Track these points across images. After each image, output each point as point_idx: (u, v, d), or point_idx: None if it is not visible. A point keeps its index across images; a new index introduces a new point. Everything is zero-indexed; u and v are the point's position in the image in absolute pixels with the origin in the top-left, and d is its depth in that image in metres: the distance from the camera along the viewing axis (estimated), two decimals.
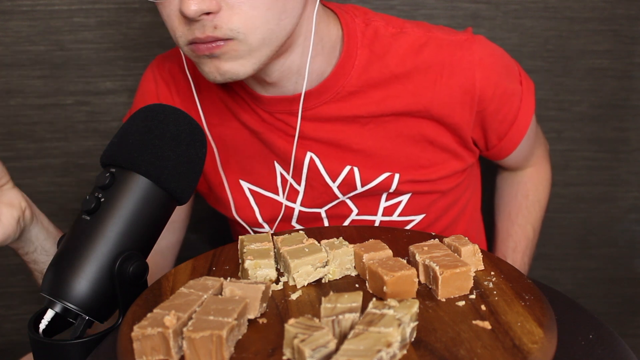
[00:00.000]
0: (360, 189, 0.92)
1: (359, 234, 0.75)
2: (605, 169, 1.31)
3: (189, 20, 0.72)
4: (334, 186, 0.92)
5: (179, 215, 1.02)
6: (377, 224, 0.96)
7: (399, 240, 0.73)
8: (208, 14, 0.72)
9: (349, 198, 0.94)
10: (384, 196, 0.94)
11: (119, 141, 0.70)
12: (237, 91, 0.91)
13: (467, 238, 0.67)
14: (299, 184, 0.94)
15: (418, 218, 0.96)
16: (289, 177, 0.93)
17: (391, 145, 0.90)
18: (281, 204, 0.96)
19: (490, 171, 1.14)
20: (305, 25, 0.82)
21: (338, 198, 0.94)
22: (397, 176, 0.91)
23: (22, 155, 1.22)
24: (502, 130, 0.93)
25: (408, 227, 0.97)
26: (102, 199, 0.67)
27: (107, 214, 0.66)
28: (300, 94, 0.87)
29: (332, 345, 0.50)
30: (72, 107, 1.20)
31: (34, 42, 1.15)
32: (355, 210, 0.95)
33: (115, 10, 1.16)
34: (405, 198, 0.94)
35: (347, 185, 0.92)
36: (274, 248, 0.69)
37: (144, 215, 0.67)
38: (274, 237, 0.71)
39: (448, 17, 1.19)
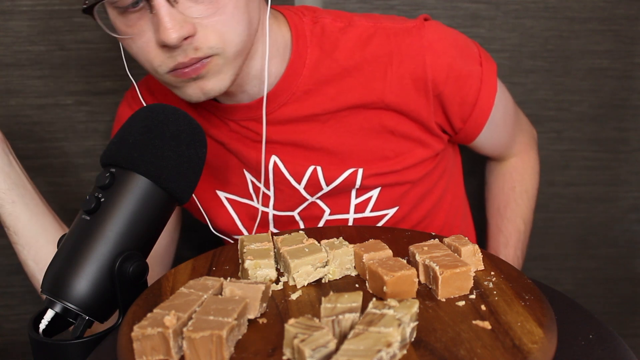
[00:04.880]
0: (326, 188, 0.92)
1: (359, 234, 0.75)
2: (605, 169, 1.30)
3: (170, 48, 0.74)
4: (300, 188, 0.93)
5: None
6: (350, 221, 0.96)
7: (399, 240, 0.73)
8: (186, 38, 0.74)
9: (318, 198, 0.94)
10: (354, 193, 0.94)
11: (118, 141, 0.70)
12: (203, 105, 0.92)
13: (467, 238, 0.67)
14: (268, 189, 0.94)
15: (391, 212, 0.96)
16: (258, 183, 0.94)
17: (353, 140, 0.91)
18: (257, 209, 0.96)
19: (481, 165, 1.14)
20: (260, 30, 0.84)
21: (307, 199, 0.94)
22: (360, 171, 0.91)
23: (22, 155, 1.21)
24: (464, 113, 0.92)
25: (382, 222, 0.96)
26: (102, 199, 0.67)
27: (107, 214, 0.66)
28: (259, 99, 0.88)
29: (332, 345, 0.50)
30: (72, 107, 1.20)
31: (34, 42, 1.15)
32: (327, 210, 0.95)
33: None
34: (375, 193, 0.94)
35: (313, 186, 0.92)
36: (274, 248, 0.69)
37: (144, 215, 0.67)
38: (274, 237, 0.71)
39: (448, 17, 1.19)
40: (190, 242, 1.28)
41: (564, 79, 1.24)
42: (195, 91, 0.80)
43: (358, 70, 0.88)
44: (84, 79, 1.18)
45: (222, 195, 0.97)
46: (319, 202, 0.95)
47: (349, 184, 0.92)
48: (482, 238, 1.15)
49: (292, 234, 0.71)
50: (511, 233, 1.06)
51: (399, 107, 0.89)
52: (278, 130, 0.90)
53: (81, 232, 0.66)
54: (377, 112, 0.89)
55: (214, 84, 0.79)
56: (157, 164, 0.68)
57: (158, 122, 0.70)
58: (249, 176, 0.95)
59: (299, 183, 0.92)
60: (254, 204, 0.96)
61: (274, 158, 0.92)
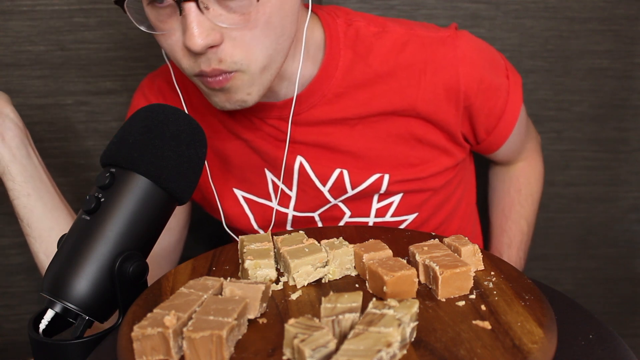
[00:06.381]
0: (350, 192, 0.92)
1: (359, 234, 0.75)
2: (605, 169, 1.31)
3: (194, 53, 0.73)
4: (325, 190, 0.92)
5: (177, 219, 1.02)
6: (370, 225, 0.95)
7: (399, 240, 0.73)
8: (212, 47, 0.72)
9: (340, 201, 0.94)
10: (376, 197, 0.94)
11: (118, 141, 0.70)
12: None
13: (467, 238, 0.67)
14: (291, 190, 0.94)
15: (411, 217, 0.96)
16: (280, 183, 0.94)
17: (380, 145, 0.90)
18: (274, 209, 0.96)
19: (485, 167, 1.14)
20: (295, 33, 0.82)
21: (330, 202, 0.94)
22: (387, 177, 0.91)
23: None
24: (490, 124, 0.93)
25: (401, 227, 0.96)
26: (102, 199, 0.67)
27: (107, 214, 0.66)
28: (290, 99, 0.87)
29: (332, 345, 0.50)
30: (72, 107, 1.20)
31: (34, 42, 1.15)
32: (348, 213, 0.95)
33: (115, 10, 1.15)
34: (397, 198, 0.94)
35: (338, 189, 0.92)
36: (274, 248, 0.69)
37: (144, 215, 0.67)
38: (274, 237, 0.71)
39: (448, 17, 1.19)
40: (192, 242, 1.28)
41: (564, 79, 1.24)
42: (221, 99, 0.78)
43: (391, 76, 0.87)
44: (84, 79, 1.18)
45: (239, 193, 0.96)
46: (341, 204, 0.94)
47: (374, 188, 0.92)
48: (485, 239, 1.15)
49: (292, 234, 0.71)
50: (515, 234, 1.06)
51: (430, 116, 0.88)
52: (306, 132, 0.89)
53: (81, 232, 0.66)
54: (407, 119, 0.89)
55: (240, 97, 0.77)
56: (157, 164, 0.68)
57: (158, 122, 0.70)
58: (270, 175, 0.94)
59: (324, 185, 0.92)
60: (272, 204, 0.95)
61: (299, 159, 0.91)
